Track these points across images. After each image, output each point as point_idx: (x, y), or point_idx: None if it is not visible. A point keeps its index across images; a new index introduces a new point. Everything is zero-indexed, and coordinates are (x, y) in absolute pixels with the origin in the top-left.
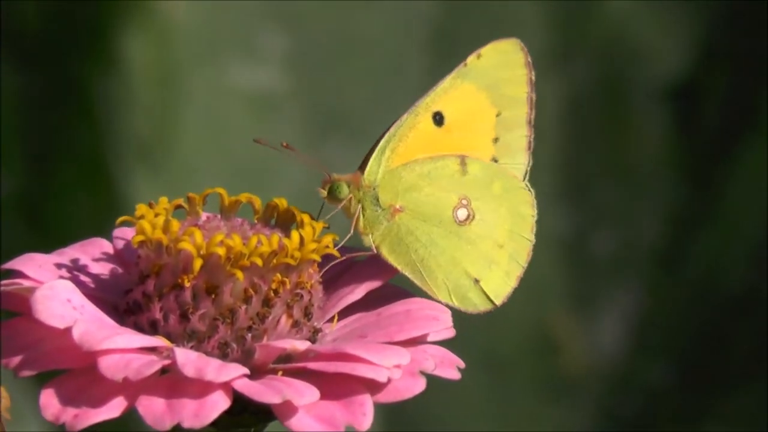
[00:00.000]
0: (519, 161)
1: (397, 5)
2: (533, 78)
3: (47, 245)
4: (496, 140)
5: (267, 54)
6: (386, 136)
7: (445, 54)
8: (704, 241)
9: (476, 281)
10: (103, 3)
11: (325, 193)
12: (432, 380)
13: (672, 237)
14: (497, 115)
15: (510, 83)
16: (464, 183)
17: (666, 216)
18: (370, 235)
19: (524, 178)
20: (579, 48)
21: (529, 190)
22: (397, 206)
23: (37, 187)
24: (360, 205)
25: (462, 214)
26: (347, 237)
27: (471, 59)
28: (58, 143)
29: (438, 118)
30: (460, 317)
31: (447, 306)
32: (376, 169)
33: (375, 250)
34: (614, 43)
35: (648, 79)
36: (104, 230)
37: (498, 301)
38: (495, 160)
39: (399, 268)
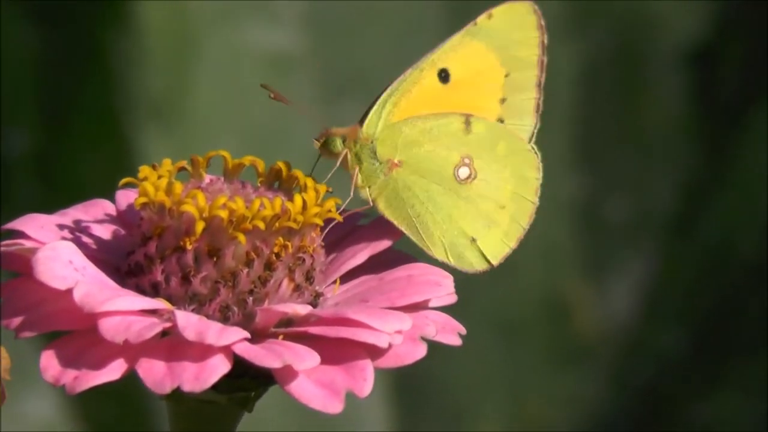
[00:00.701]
0: (526, 123)
1: None
2: (545, 41)
3: (60, 203)
4: (503, 101)
5: (283, 14)
6: (388, 90)
7: (462, 16)
8: (718, 208)
9: (473, 240)
10: None
11: (319, 144)
12: (442, 346)
13: (686, 204)
14: (506, 76)
15: (521, 45)
16: (467, 142)
17: (680, 183)
18: (368, 189)
19: (530, 141)
20: (596, 14)
21: (535, 152)
22: (396, 161)
23: (51, 145)
24: (357, 160)
25: (463, 172)
26: (348, 200)
27: (482, 19)
28: (72, 102)
29: (444, 75)
30: (469, 281)
31: (443, 264)
32: (375, 122)
33: (372, 204)
34: (631, 10)
35: (664, 46)
36: (117, 189)
37: (495, 261)
38: (501, 121)
39: (395, 222)
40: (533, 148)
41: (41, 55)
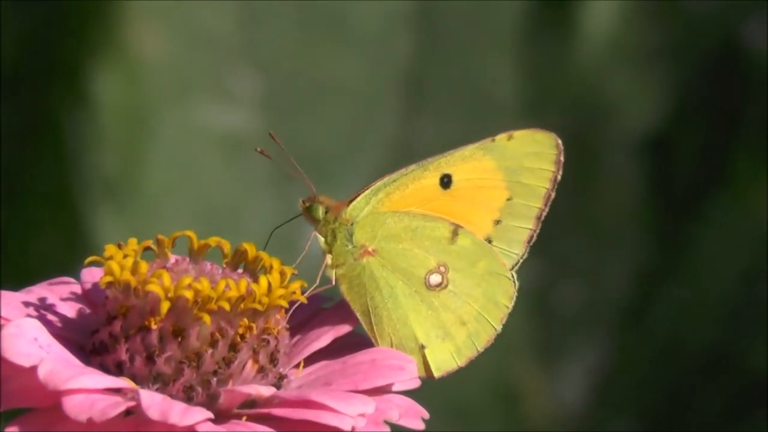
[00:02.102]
0: (514, 251)
1: (372, 50)
2: (559, 177)
3: (12, 278)
4: (497, 222)
5: (237, 95)
6: (386, 179)
7: (418, 100)
8: (672, 295)
9: (422, 347)
10: (75, 39)
11: (303, 206)
12: (393, 429)
13: (639, 292)
14: (508, 199)
15: (533, 174)
16: (448, 251)
17: (634, 270)
18: (334, 269)
19: (513, 268)
20: (551, 100)
21: (514, 281)
22: (370, 248)
23: (4, 221)
24: (332, 236)
25: (434, 279)
26: (314, 285)
27: (501, 138)
28: (25, 178)
29: (446, 181)
30: None
31: None
32: (362, 206)
33: (334, 283)
34: (587, 96)
35: (619, 133)
36: (69, 266)
37: (437, 374)
38: (489, 241)
39: (351, 305)
40: (513, 277)
41: None
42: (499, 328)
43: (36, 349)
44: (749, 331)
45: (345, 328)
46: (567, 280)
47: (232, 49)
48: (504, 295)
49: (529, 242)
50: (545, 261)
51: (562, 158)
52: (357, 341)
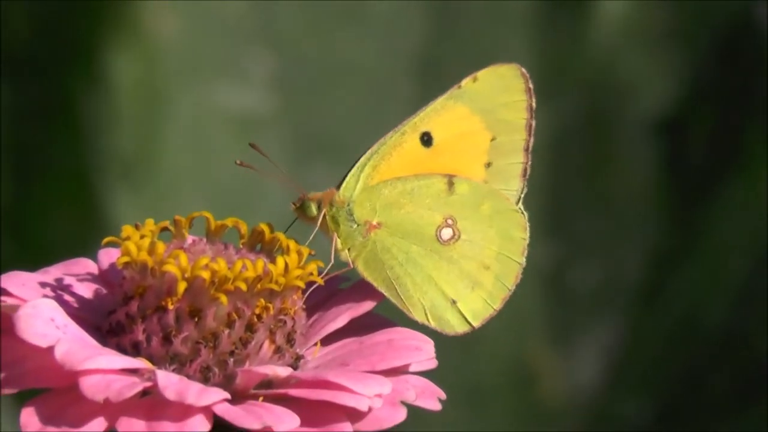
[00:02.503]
0: (512, 187)
1: (385, 30)
2: (533, 105)
3: (29, 260)
4: (488, 165)
5: (253, 75)
6: (367, 153)
7: (432, 80)
8: (685, 277)
9: (453, 302)
10: (91, 19)
11: (296, 208)
12: (410, 410)
13: (653, 272)
14: (492, 140)
15: (507, 108)
16: (450, 202)
17: (647, 251)
18: (347, 251)
19: (517, 204)
20: (566, 81)
21: (522, 213)
22: (374, 222)
23: (20, 202)
24: (334, 223)
25: (446, 233)
26: (329, 265)
27: (466, 82)
28: (41, 159)
29: (426, 139)
30: (437, 347)
31: (423, 326)
32: (353, 185)
33: (351, 265)
34: (602, 77)
35: (634, 114)
36: (86, 247)
37: (476, 323)
38: None
39: (374, 284)
40: (520, 209)
41: (12, 111)
42: (522, 261)
43: (53, 329)
44: (763, 312)
45: (362, 308)
46: (581, 262)
47: (247, 29)
48: (517, 228)
49: (524, 175)
50: (560, 242)
51: (530, 85)
52: (374, 321)
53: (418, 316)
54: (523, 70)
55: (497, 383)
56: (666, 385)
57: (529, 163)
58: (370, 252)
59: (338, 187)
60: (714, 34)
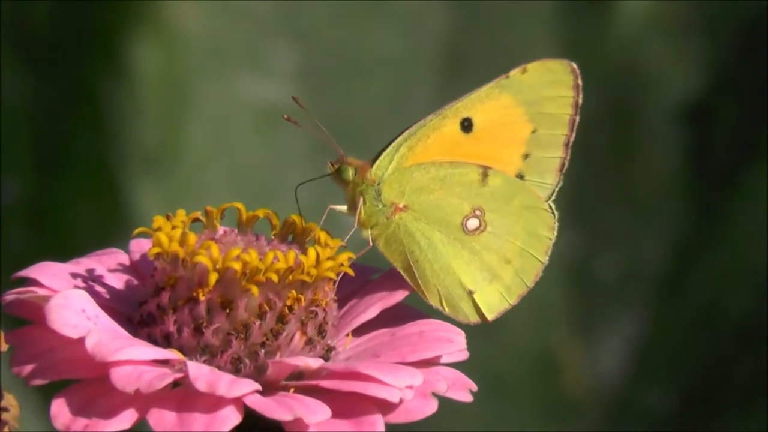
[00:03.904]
0: (547, 181)
1: (409, 22)
2: (580, 101)
3: (52, 251)
4: (526, 156)
5: (276, 67)
6: (405, 134)
7: (455, 73)
8: (709, 266)
9: (470, 292)
10: (114, 11)
11: (332, 169)
12: (444, 401)
13: (677, 262)
14: (532, 132)
15: (553, 103)
16: (481, 194)
17: (671, 241)
18: (369, 229)
19: (549, 199)
20: (590, 72)
21: (552, 212)
22: (401, 205)
23: (44, 193)
24: (361, 197)
25: (472, 224)
26: (351, 232)
27: (515, 72)
28: (65, 150)
29: (466, 125)
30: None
31: (437, 310)
32: (386, 164)
33: (372, 244)
34: (625, 68)
35: (658, 105)
36: (109, 238)
37: (490, 316)
38: (521, 176)
39: (392, 262)
40: (551, 207)
41: (35, 102)
42: (545, 260)
43: (83, 320)
44: None
45: (393, 300)
46: (604, 252)
47: (270, 21)
48: (544, 227)
49: (561, 170)
50: (583, 232)
51: (579, 82)
52: (405, 313)
53: (433, 301)
54: (574, 65)
55: (521, 373)
56: (689, 375)
57: (568, 158)
58: (392, 233)
59: (372, 162)
60: (737, 24)
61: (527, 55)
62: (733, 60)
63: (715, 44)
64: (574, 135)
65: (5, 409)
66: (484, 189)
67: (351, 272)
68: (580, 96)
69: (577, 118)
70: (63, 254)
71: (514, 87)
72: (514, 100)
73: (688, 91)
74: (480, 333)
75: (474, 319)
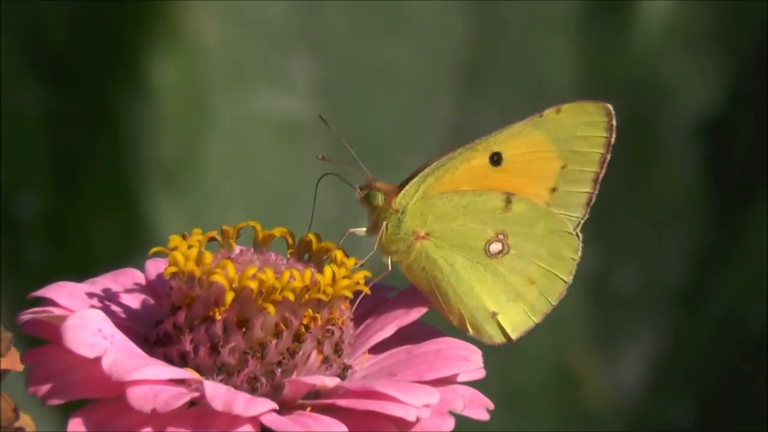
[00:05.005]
0: (574, 214)
1: (427, 36)
2: (612, 141)
3: (70, 266)
4: (554, 189)
5: (295, 81)
6: (434, 164)
7: (474, 85)
8: (727, 280)
9: (494, 314)
10: (133, 26)
11: (362, 194)
12: (461, 420)
13: (696, 276)
14: (562, 167)
15: (585, 142)
16: (504, 219)
17: (690, 255)
18: (389, 255)
19: (574, 230)
20: (608, 83)
21: (576, 235)
22: (422, 233)
23: (62, 208)
24: (384, 222)
25: (495, 247)
26: (370, 254)
27: (549, 112)
28: (83, 165)
29: (495, 159)
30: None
31: (460, 331)
32: (411, 194)
33: (389, 270)
34: (644, 80)
35: (676, 117)
36: (127, 253)
37: (514, 336)
38: None
39: (415, 284)
40: (576, 233)
41: (54, 118)
42: (569, 279)
43: (100, 339)
44: None
45: (409, 318)
46: (624, 265)
47: (288, 35)
48: (569, 249)
49: (588, 204)
50: (602, 245)
51: (614, 123)
52: (422, 331)
53: (456, 322)
54: (609, 107)
55: (540, 386)
56: (708, 388)
57: (596, 193)
58: (413, 260)
59: (399, 188)
60: (756, 36)
61: (546, 69)
62: (752, 71)
63: (734, 55)
64: (603, 172)
65: (22, 430)
66: (507, 214)
67: (367, 290)
68: (613, 136)
69: (609, 156)
70: (82, 270)
71: (548, 126)
72: (546, 137)
73: (706, 103)
74: (500, 346)
75: (498, 339)
